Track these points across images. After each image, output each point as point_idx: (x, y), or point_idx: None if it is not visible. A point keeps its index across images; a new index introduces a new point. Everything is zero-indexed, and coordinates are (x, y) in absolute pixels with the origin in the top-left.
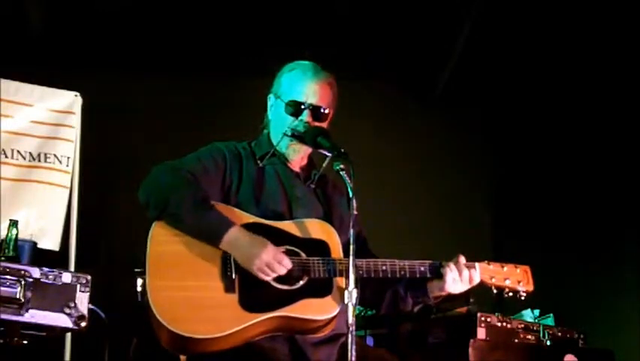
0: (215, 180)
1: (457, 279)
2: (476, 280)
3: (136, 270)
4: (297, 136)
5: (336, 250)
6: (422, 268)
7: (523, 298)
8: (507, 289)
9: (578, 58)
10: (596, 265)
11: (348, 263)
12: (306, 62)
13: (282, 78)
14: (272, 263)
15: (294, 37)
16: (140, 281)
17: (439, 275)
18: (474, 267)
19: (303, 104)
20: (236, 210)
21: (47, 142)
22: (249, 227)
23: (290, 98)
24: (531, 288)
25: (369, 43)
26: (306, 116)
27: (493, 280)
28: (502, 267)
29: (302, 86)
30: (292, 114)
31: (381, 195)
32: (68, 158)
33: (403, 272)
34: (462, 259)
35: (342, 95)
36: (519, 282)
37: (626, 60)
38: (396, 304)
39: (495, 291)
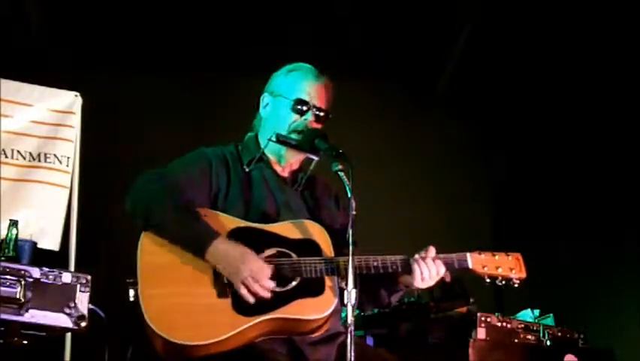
0: (200, 186)
1: (426, 276)
2: (442, 273)
3: (128, 280)
4: (282, 141)
5: (327, 249)
6: (394, 266)
7: (516, 285)
8: (500, 278)
9: (578, 58)
10: (596, 264)
11: (340, 261)
12: (306, 64)
13: (282, 77)
14: (255, 276)
15: (295, 37)
16: (132, 292)
17: (408, 270)
18: (440, 259)
19: (308, 103)
20: (224, 215)
21: (47, 142)
22: (239, 231)
23: (294, 96)
24: (524, 275)
25: (369, 43)
26: (310, 115)
27: (486, 268)
28: (494, 255)
29: (306, 86)
30: (298, 112)
31: (380, 194)
32: (68, 158)
33: (375, 263)
34: (432, 252)
35: (342, 95)
36: (511, 269)
37: (626, 60)
38: (374, 300)
39: (488, 280)
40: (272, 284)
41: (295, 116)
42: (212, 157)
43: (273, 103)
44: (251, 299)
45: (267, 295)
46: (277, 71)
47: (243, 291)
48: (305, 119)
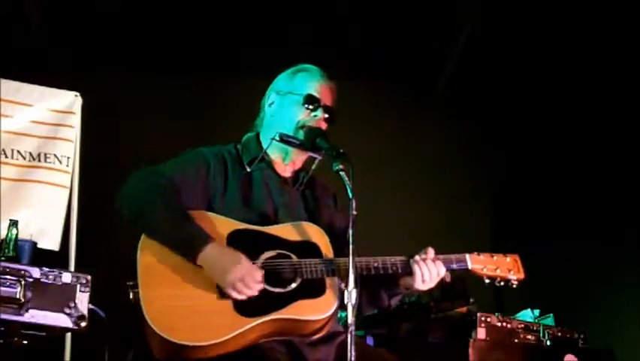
0: (196, 187)
1: (427, 277)
2: (442, 274)
3: (128, 283)
4: (285, 141)
5: (327, 251)
6: (394, 268)
7: (514, 286)
8: (498, 279)
9: (578, 58)
10: (596, 264)
11: (340, 262)
12: (313, 66)
13: (290, 77)
14: (243, 279)
15: (295, 37)
16: (132, 294)
17: (408, 271)
18: (439, 260)
19: (319, 100)
20: (223, 218)
21: (47, 142)
22: (238, 234)
23: (305, 93)
24: (522, 276)
25: (369, 43)
26: (320, 112)
27: (484, 269)
28: (492, 257)
29: (315, 85)
30: (308, 108)
31: (380, 194)
32: (68, 158)
33: (375, 264)
34: (431, 253)
35: (342, 95)
36: (509, 270)
37: (626, 60)
38: (374, 302)
39: (487, 281)
40: (260, 287)
41: (305, 112)
42: (210, 157)
43: (280, 101)
44: (242, 298)
45: (252, 293)
46: (282, 73)
47: (234, 295)
48: (314, 116)
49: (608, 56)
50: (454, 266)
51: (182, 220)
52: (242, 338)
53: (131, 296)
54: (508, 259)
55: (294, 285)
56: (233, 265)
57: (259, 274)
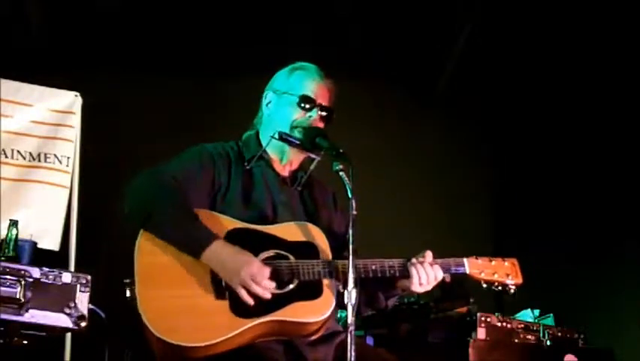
0: (200, 184)
1: (424, 280)
2: (439, 278)
3: (124, 281)
4: (284, 139)
5: (326, 252)
6: (392, 271)
7: (512, 291)
8: (496, 283)
9: (578, 58)
10: (596, 265)
11: (338, 264)
12: (310, 64)
13: (287, 75)
14: (254, 277)
15: (295, 37)
16: (128, 293)
17: (406, 274)
18: (438, 264)
19: (314, 100)
20: (221, 216)
21: (47, 142)
22: (237, 232)
23: (300, 93)
24: (520, 281)
25: (369, 43)
26: (315, 113)
27: (482, 274)
28: (490, 261)
29: (311, 84)
30: (303, 108)
31: (380, 194)
32: (68, 158)
33: (374, 267)
34: (429, 257)
35: (342, 95)
36: (507, 275)
37: (626, 60)
38: (371, 303)
39: (485, 285)
40: (272, 285)
41: (300, 113)
42: (214, 153)
43: (276, 100)
44: (250, 301)
45: (268, 295)
46: (280, 70)
47: (243, 293)
48: (309, 117)
49: (607, 56)
50: (452, 270)
51: (189, 219)
52: (239, 338)
53: (127, 294)
54: (506, 263)
55: (291, 286)
56: (241, 263)
57: (268, 271)
